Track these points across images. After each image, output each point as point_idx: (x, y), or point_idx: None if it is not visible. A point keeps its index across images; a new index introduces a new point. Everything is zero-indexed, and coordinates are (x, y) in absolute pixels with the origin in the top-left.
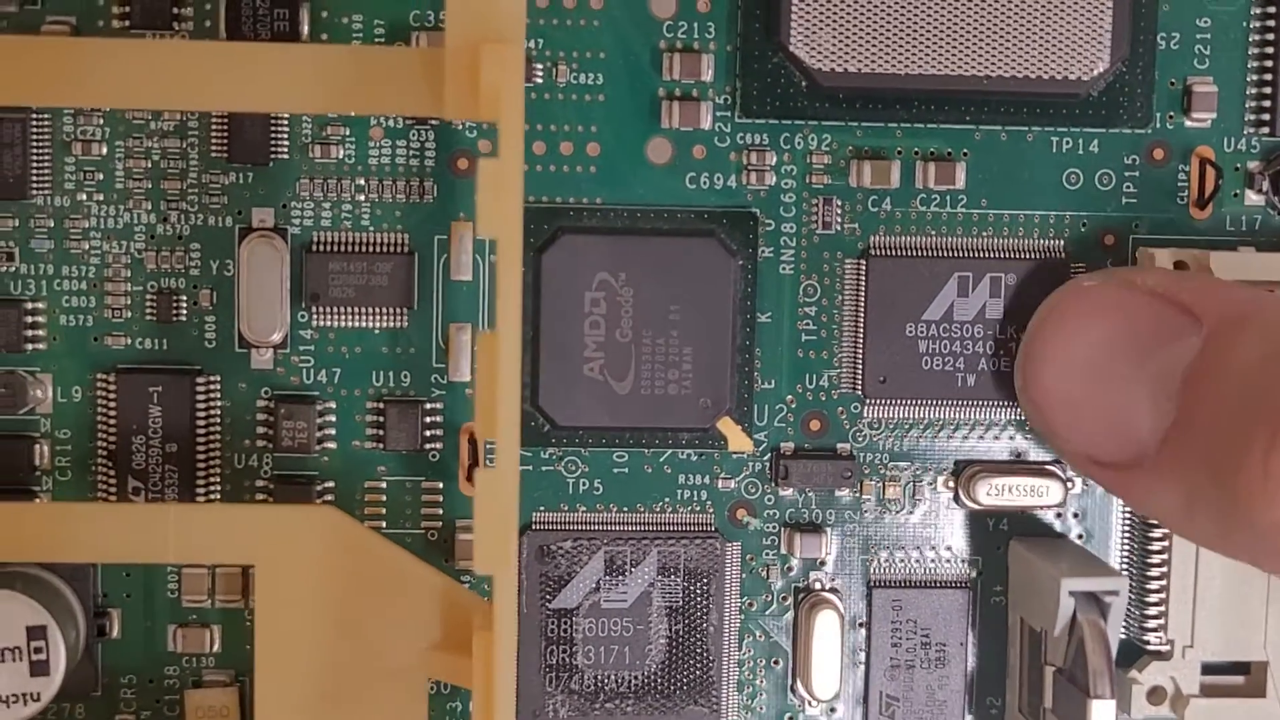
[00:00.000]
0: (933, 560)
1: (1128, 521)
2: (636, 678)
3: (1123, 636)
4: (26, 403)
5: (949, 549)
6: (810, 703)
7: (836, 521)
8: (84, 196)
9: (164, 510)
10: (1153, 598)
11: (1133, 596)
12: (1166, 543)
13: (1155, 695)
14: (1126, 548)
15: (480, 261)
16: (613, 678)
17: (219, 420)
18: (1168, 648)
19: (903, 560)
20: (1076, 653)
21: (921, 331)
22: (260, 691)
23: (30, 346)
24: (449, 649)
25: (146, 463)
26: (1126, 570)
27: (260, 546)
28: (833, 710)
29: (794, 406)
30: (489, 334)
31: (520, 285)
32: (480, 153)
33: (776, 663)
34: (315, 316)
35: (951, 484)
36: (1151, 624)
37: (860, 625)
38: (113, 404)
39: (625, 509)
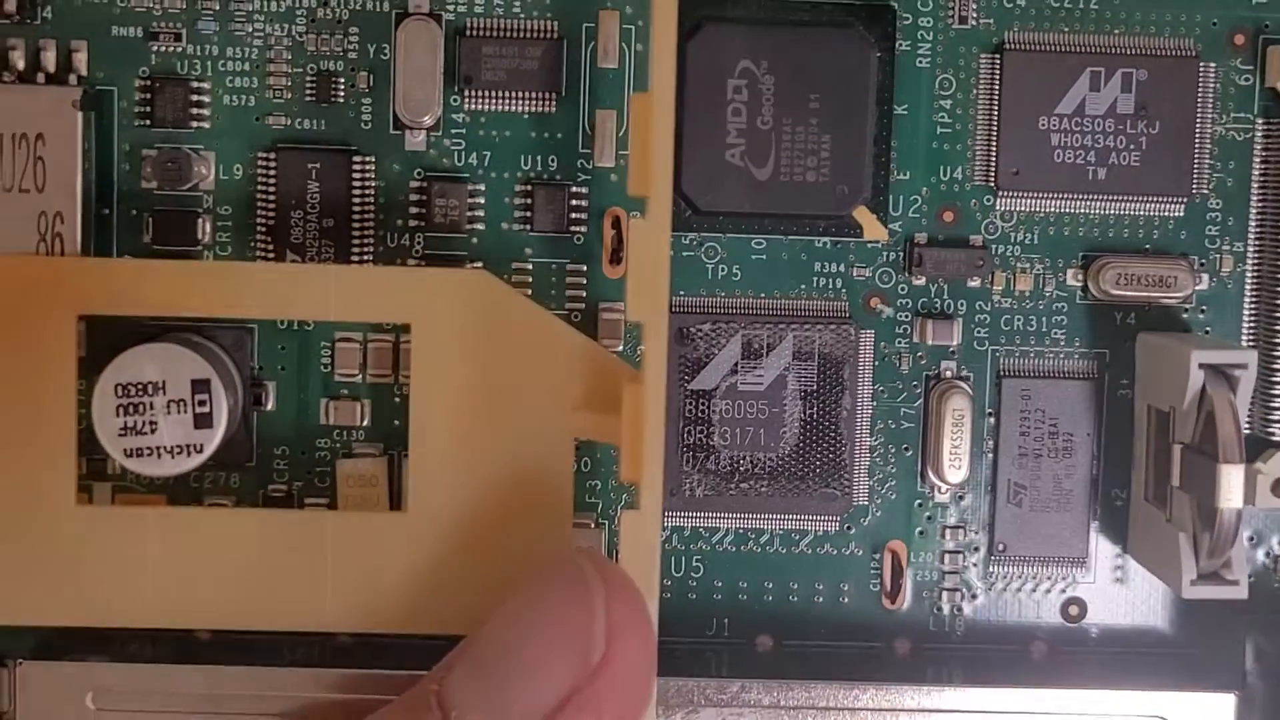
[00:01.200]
0: (1062, 352)
1: (1253, 315)
2: (771, 459)
3: (1247, 432)
4: (191, 178)
5: (1077, 340)
6: (940, 489)
7: (968, 312)
8: None
9: (325, 270)
10: (1278, 389)
11: (1258, 390)
12: None
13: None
14: (1252, 341)
15: (626, 50)
16: (748, 459)
17: (373, 199)
18: None
19: (1033, 351)
20: (1205, 426)
21: (1054, 125)
22: (414, 449)
23: (195, 125)
24: (596, 410)
25: (304, 236)
26: None
27: (417, 306)
28: (961, 497)
29: (928, 197)
30: (643, 94)
31: (675, 40)
32: None
33: (907, 449)
34: (467, 100)
35: (1080, 277)
36: (1276, 415)
37: (989, 414)
38: (273, 180)
39: (762, 295)
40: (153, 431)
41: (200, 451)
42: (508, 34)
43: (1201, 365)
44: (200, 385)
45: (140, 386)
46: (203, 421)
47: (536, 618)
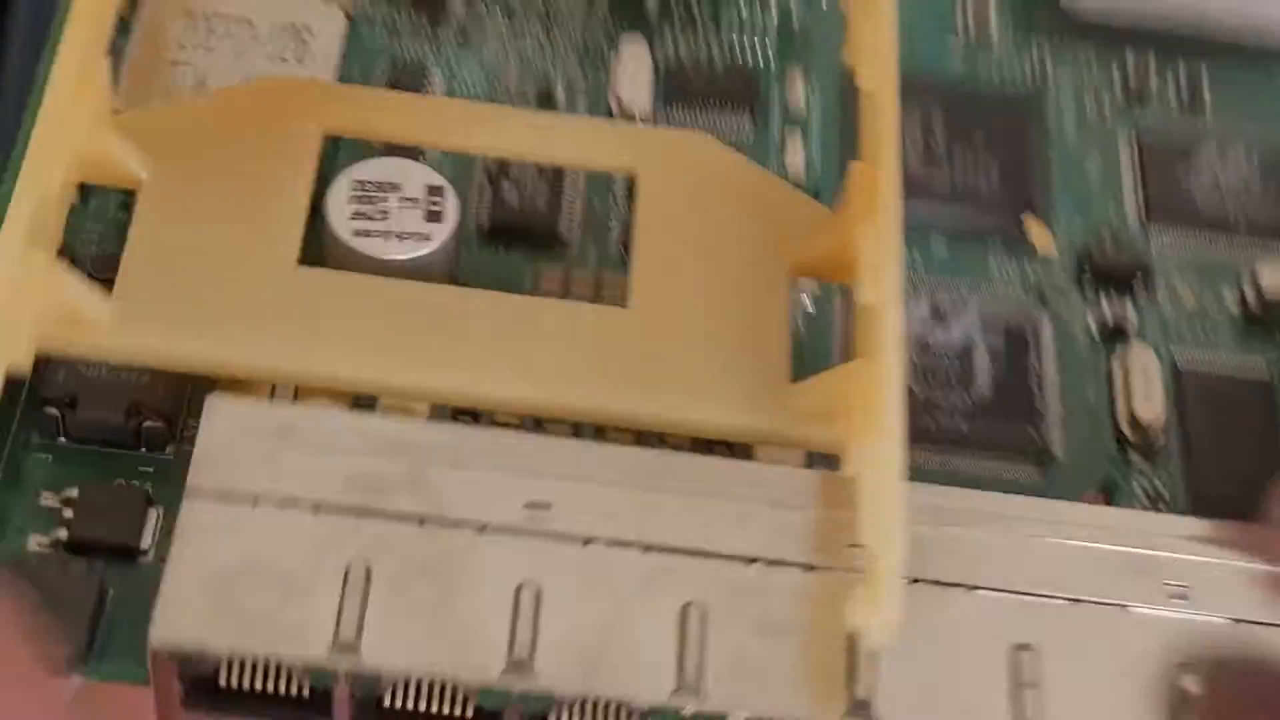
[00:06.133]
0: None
1: None
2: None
3: None
4: None
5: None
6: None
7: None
8: None
9: (559, 119)
10: None
11: None
12: None
13: None
14: None
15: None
16: None
17: None
18: None
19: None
20: None
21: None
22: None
23: None
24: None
25: None
26: None
27: (641, 158)
28: None
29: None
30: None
31: None
32: None
33: None
34: None
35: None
36: None
37: None
38: None
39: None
40: (384, 218)
41: (428, 240)
42: None
43: None
44: (435, 190)
45: (377, 184)
46: (433, 217)
47: None
